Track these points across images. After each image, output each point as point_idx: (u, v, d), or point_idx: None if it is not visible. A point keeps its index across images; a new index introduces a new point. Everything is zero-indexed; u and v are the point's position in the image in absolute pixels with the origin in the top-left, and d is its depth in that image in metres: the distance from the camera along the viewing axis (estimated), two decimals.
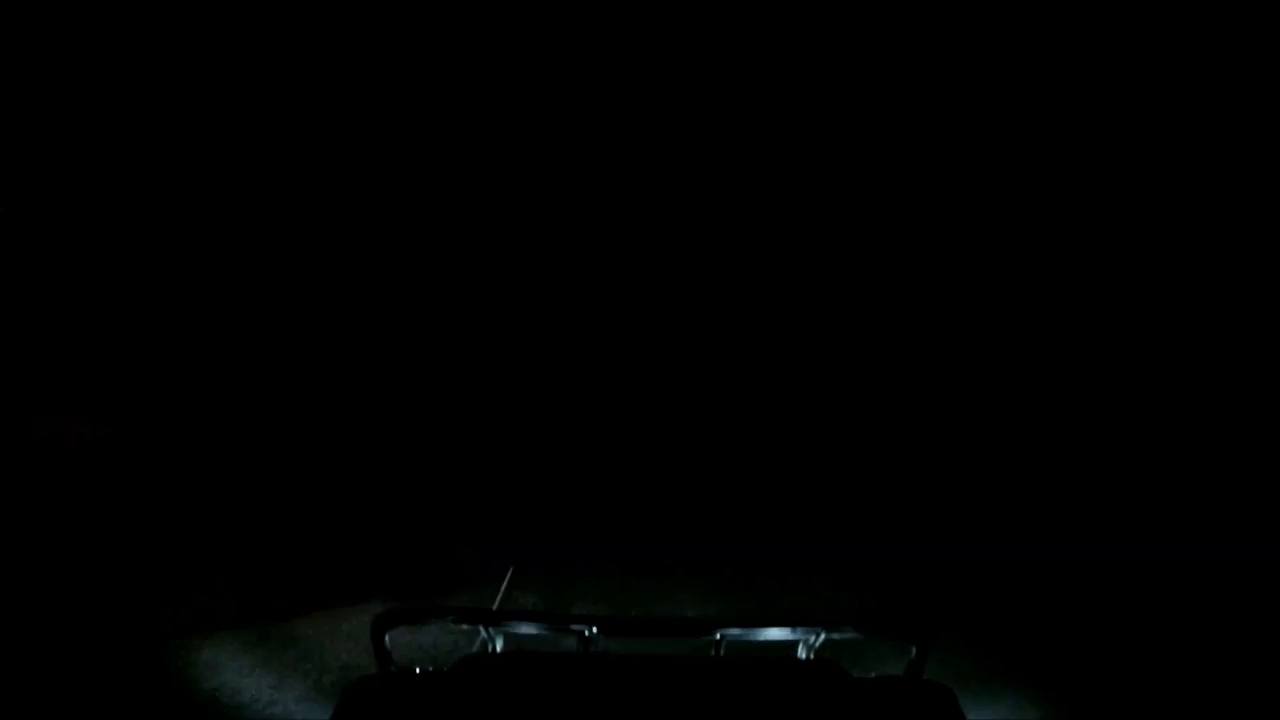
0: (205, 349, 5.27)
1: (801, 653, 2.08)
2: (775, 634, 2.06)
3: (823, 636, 2.04)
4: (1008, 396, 5.38)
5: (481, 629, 2.08)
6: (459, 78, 6.12)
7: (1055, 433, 5.12)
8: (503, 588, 3.63)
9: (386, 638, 1.98)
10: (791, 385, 5.65)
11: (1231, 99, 5.74)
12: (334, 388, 5.15)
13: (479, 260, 5.80)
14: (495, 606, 3.38)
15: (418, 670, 1.95)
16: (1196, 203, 5.73)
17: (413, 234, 5.79)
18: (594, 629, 2.02)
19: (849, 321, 5.93)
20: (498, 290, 5.73)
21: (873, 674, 1.93)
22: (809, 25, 6.22)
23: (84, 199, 5.33)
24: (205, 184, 5.52)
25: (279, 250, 5.59)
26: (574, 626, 2.04)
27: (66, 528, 4.14)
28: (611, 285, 5.98)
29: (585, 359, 5.61)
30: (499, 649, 2.11)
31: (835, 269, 6.11)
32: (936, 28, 6.14)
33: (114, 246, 5.31)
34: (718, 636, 2.02)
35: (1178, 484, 4.65)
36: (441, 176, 5.86)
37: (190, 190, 5.48)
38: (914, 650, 1.97)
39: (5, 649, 3.44)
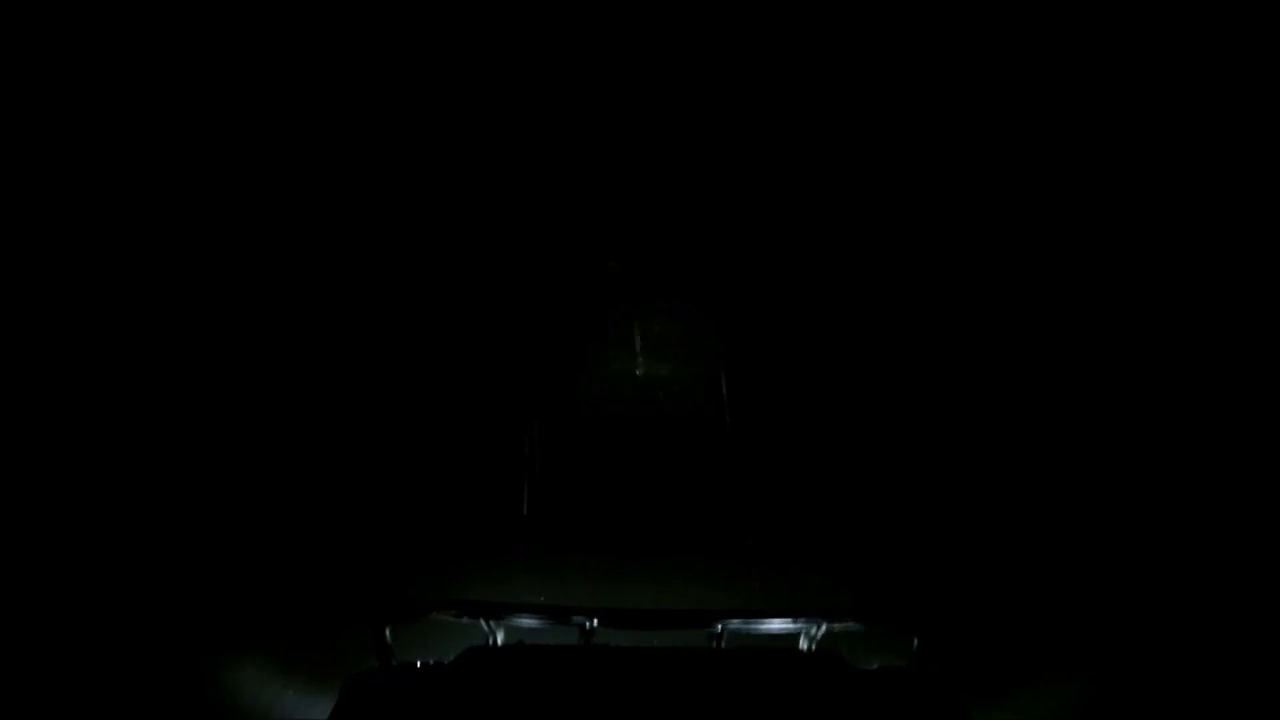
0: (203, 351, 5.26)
1: (803, 644, 2.08)
2: (777, 625, 2.06)
3: (824, 628, 2.04)
4: (1011, 391, 5.38)
5: (482, 621, 2.08)
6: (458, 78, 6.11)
7: (1060, 426, 5.12)
8: None
9: (387, 631, 1.97)
10: (792, 382, 5.65)
11: (1231, 99, 5.73)
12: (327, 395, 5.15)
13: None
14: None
15: (419, 664, 1.95)
16: (1197, 204, 5.72)
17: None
18: (595, 621, 2.02)
19: (850, 321, 5.92)
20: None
21: (875, 665, 1.93)
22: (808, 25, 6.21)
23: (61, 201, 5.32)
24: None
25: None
26: (575, 619, 2.04)
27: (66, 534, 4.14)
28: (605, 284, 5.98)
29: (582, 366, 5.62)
30: (500, 642, 2.10)
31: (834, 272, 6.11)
32: (936, 27, 6.13)
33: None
34: (719, 628, 2.02)
35: (1182, 480, 4.65)
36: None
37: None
38: (916, 642, 1.97)
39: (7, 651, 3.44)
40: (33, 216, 5.29)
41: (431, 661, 1.96)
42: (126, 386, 4.97)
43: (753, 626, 2.05)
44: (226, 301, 5.47)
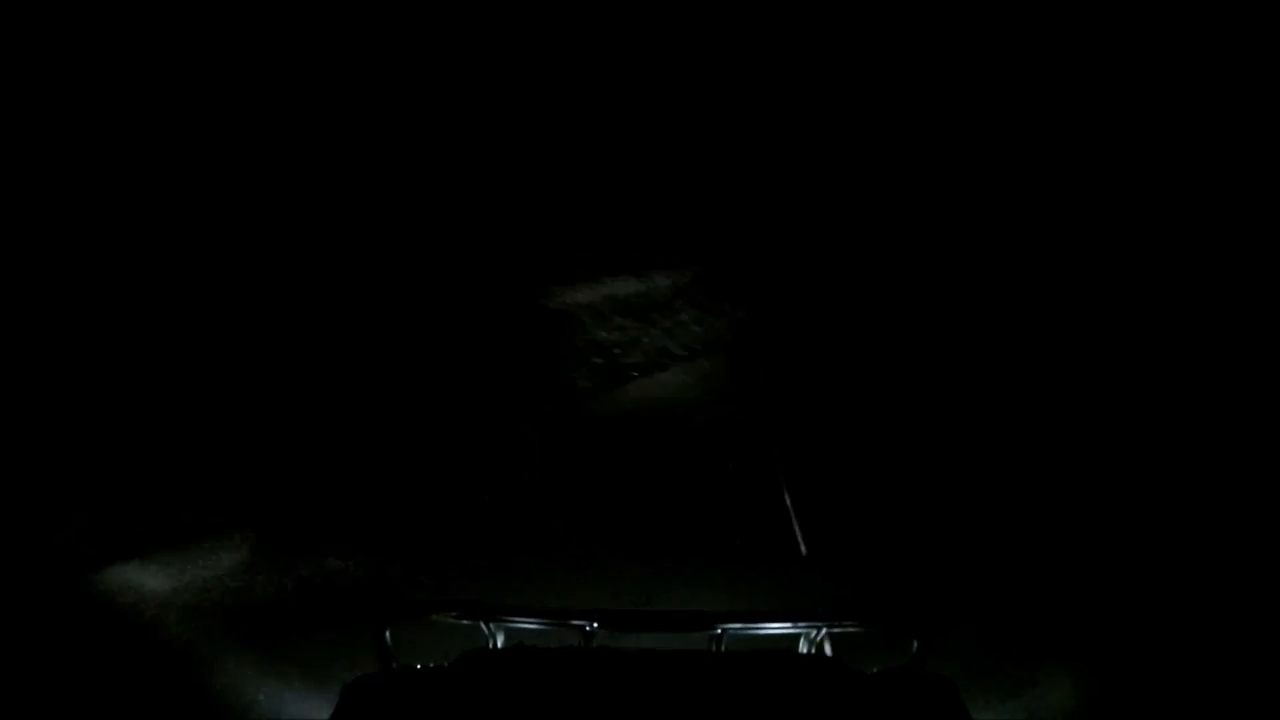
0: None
1: (803, 647, 2.08)
2: (776, 628, 2.06)
3: (824, 630, 2.04)
4: (1012, 389, 5.38)
5: (482, 624, 2.08)
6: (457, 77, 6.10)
7: (1062, 424, 5.11)
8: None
9: (386, 634, 1.97)
10: (794, 379, 5.64)
11: (1231, 99, 5.72)
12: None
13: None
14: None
15: (418, 666, 1.95)
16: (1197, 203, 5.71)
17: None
18: (595, 624, 2.02)
19: (851, 321, 5.92)
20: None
21: (875, 668, 1.92)
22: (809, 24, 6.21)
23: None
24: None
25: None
26: (575, 621, 2.03)
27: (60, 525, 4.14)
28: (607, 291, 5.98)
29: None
30: (499, 644, 2.10)
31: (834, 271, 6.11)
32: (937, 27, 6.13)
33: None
34: (719, 631, 2.01)
35: (1184, 478, 4.64)
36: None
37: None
38: (915, 644, 1.97)
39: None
40: (33, 214, 5.30)
41: (431, 664, 1.96)
42: (124, 379, 4.97)
43: (752, 629, 2.04)
44: (225, 297, 5.48)
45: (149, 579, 3.92)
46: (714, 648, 2.03)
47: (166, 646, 3.60)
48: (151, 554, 4.05)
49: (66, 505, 4.25)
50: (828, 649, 2.07)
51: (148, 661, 3.52)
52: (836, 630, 2.04)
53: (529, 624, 2.08)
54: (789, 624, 2.05)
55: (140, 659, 3.53)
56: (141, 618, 3.72)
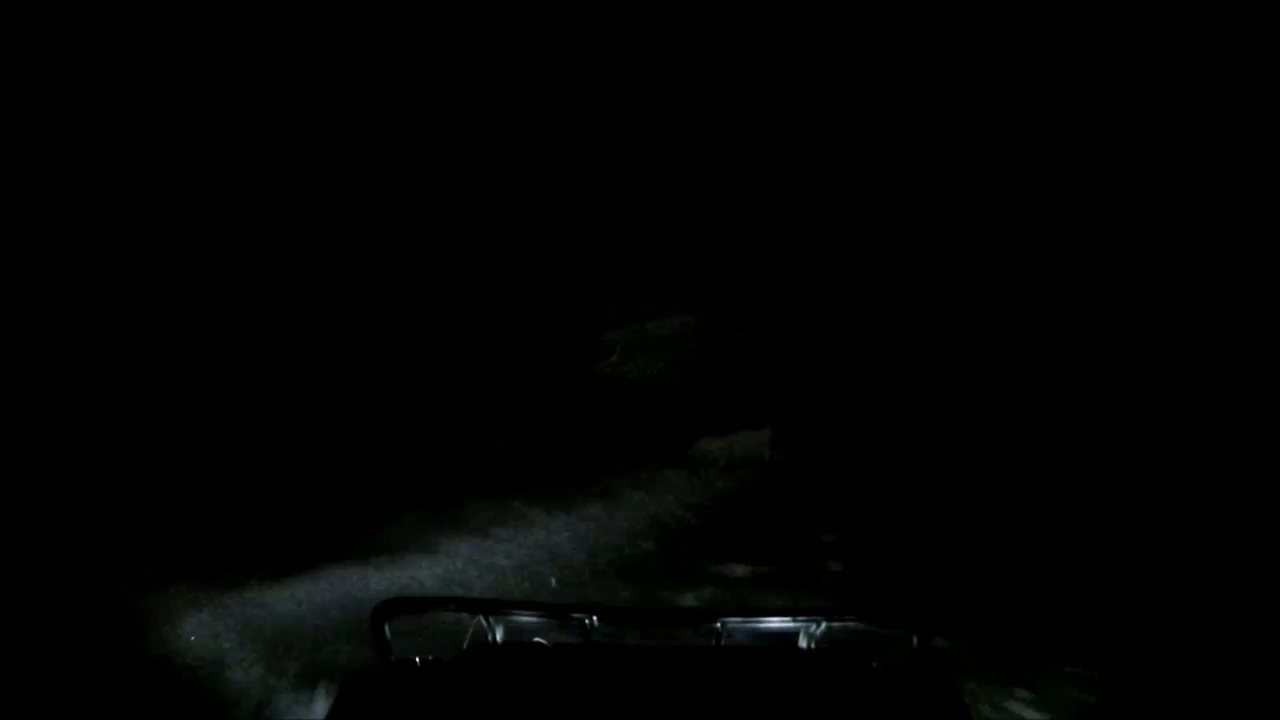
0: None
1: (803, 642, 2.07)
2: (777, 623, 2.05)
3: (824, 626, 2.03)
4: (1013, 387, 5.37)
5: (482, 619, 2.07)
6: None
7: (1063, 422, 5.11)
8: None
9: (386, 628, 1.97)
10: (798, 376, 5.65)
11: (1231, 99, 5.70)
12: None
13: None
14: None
15: (418, 661, 1.94)
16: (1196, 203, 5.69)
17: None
18: (595, 618, 2.01)
19: (855, 321, 5.92)
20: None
21: (874, 664, 1.92)
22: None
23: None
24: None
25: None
26: (575, 615, 2.03)
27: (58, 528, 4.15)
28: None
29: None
30: (499, 639, 2.10)
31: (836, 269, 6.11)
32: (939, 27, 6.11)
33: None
34: (719, 625, 2.00)
35: (1184, 477, 4.64)
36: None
37: None
38: (915, 640, 1.96)
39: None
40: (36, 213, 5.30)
41: (431, 659, 1.95)
42: (124, 382, 4.98)
43: (752, 624, 2.04)
44: (232, 305, 5.49)
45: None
46: (714, 643, 2.02)
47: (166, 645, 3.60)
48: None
49: (67, 507, 4.26)
50: (827, 644, 2.06)
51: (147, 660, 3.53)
52: (836, 625, 2.04)
53: (529, 618, 2.07)
54: (788, 619, 2.04)
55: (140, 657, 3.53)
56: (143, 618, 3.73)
